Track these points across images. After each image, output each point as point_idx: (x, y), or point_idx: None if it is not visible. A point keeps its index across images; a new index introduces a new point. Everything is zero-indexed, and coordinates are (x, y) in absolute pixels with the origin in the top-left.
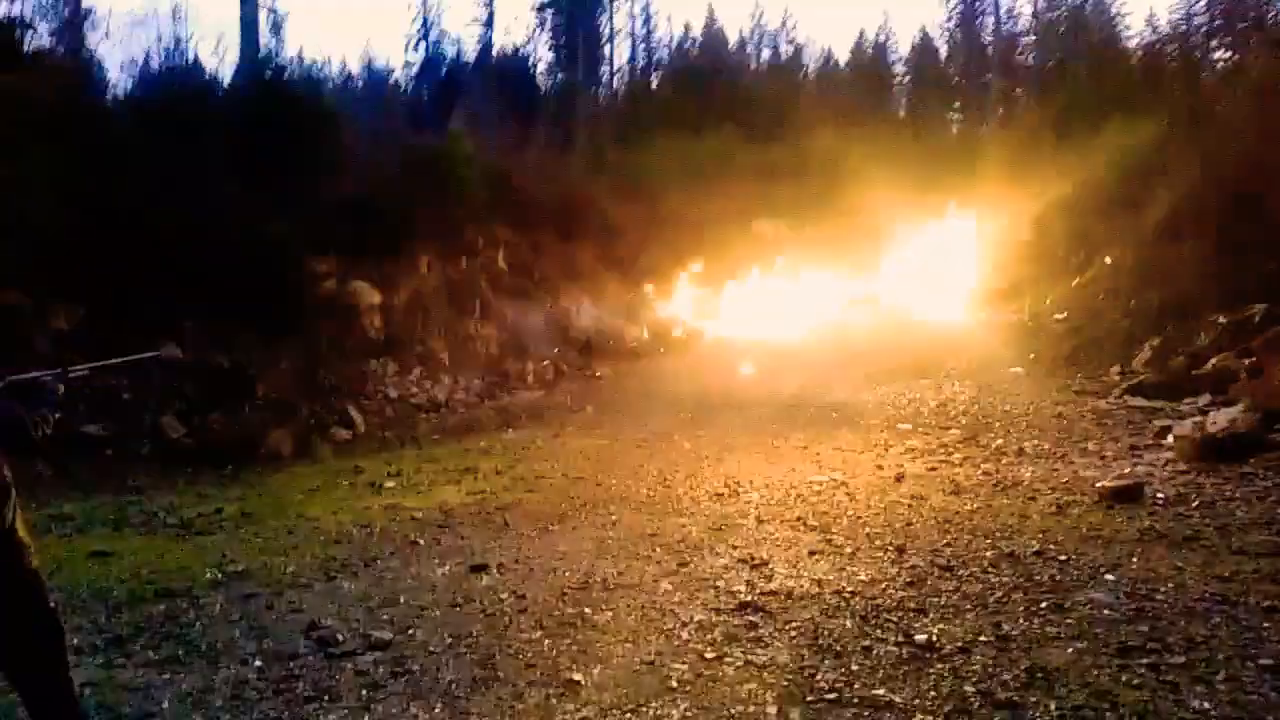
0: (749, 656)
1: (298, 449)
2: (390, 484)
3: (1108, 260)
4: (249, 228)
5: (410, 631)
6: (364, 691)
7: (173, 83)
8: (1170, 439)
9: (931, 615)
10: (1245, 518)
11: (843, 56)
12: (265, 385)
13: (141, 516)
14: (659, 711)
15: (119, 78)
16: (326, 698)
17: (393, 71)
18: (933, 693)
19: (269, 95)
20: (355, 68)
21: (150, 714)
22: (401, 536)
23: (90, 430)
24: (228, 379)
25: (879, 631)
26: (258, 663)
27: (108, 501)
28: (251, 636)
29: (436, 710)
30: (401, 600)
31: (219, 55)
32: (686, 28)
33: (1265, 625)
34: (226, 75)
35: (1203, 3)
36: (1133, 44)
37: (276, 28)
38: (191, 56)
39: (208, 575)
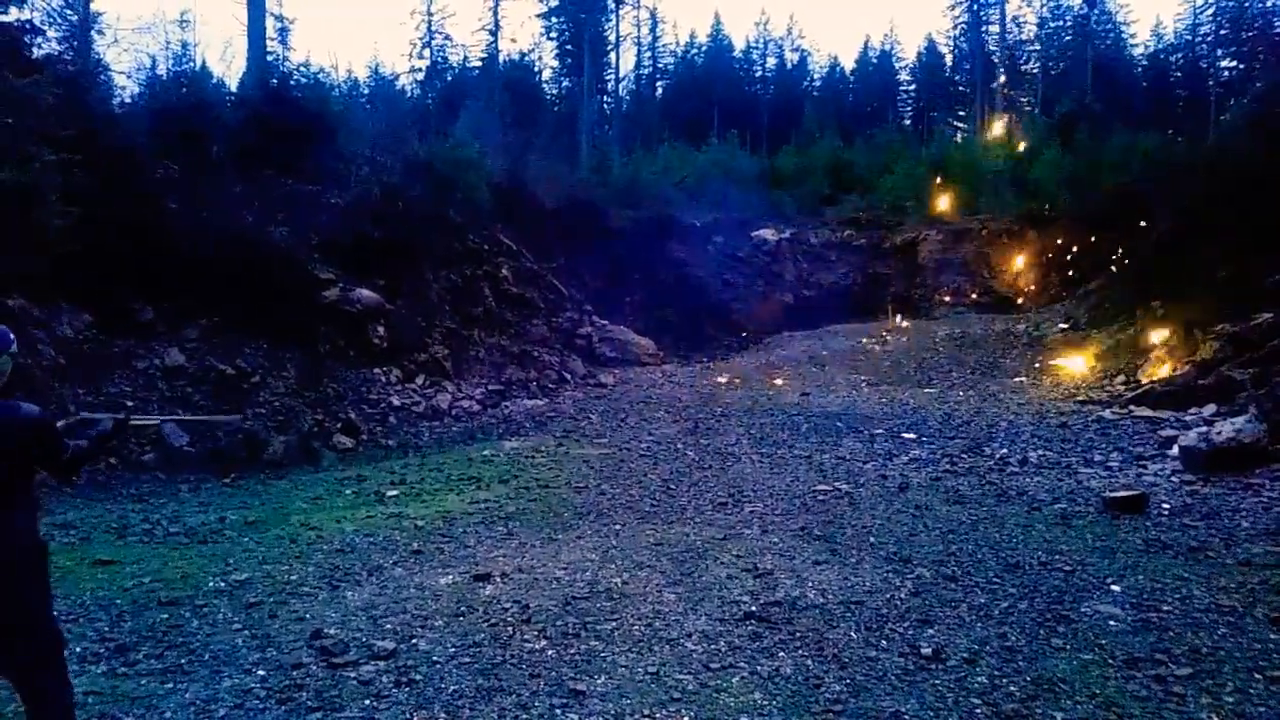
0: (754, 667)
1: (301, 457)
2: (393, 492)
3: (1113, 270)
4: (254, 234)
5: (414, 641)
6: (367, 701)
7: (179, 89)
8: (1175, 449)
9: (937, 626)
10: (1251, 529)
11: (848, 64)
12: (268, 393)
13: (145, 525)
14: None
15: (126, 84)
16: (330, 708)
17: (399, 78)
18: (938, 704)
19: (275, 102)
20: (362, 75)
21: None
22: (405, 545)
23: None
24: (231, 386)
25: (884, 642)
26: (261, 672)
27: (111, 510)
28: (255, 646)
29: None
30: (405, 609)
31: (226, 62)
32: (692, 35)
33: (1272, 637)
34: (233, 82)
35: (1209, 12)
36: (1138, 52)
37: (283, 34)
38: (199, 63)
39: (211, 584)
